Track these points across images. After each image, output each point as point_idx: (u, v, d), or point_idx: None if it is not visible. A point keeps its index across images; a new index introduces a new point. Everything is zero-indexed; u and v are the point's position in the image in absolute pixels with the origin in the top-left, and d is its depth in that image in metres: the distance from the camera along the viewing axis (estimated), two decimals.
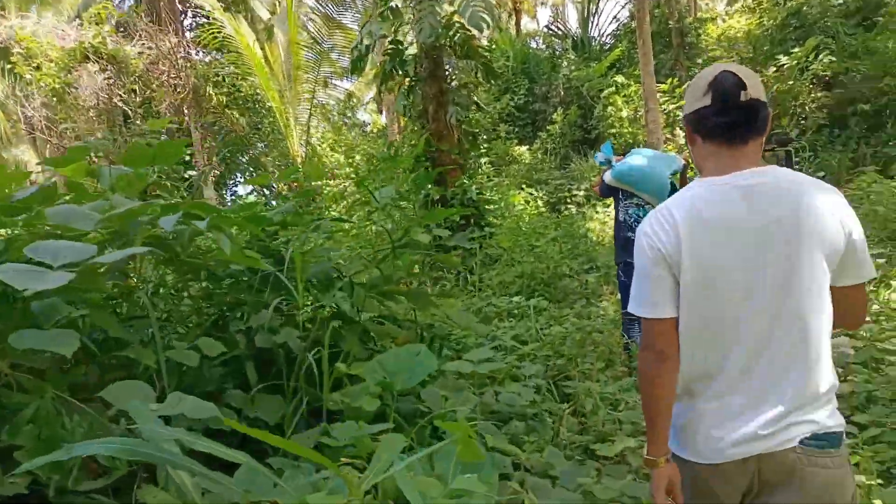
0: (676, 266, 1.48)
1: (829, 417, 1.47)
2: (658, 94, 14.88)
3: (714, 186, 1.49)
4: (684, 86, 16.51)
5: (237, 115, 12.77)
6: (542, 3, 28.51)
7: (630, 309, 1.61)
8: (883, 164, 13.20)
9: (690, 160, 6.15)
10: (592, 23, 22.29)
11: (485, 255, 7.47)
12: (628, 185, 4.73)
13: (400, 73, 7.69)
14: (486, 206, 8.31)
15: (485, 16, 6.89)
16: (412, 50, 7.80)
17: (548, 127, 17.45)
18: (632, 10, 19.42)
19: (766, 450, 1.44)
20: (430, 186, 8.30)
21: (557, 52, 20.75)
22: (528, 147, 17.90)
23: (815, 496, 1.43)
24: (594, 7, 22.12)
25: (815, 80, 15.25)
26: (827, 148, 14.20)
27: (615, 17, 21.58)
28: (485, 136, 17.28)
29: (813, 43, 14.49)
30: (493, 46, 20.12)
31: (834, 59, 14.53)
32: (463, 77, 7.44)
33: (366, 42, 7.44)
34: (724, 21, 20.87)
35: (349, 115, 19.55)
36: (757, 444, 1.45)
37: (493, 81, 7.83)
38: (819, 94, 14.90)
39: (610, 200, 5.71)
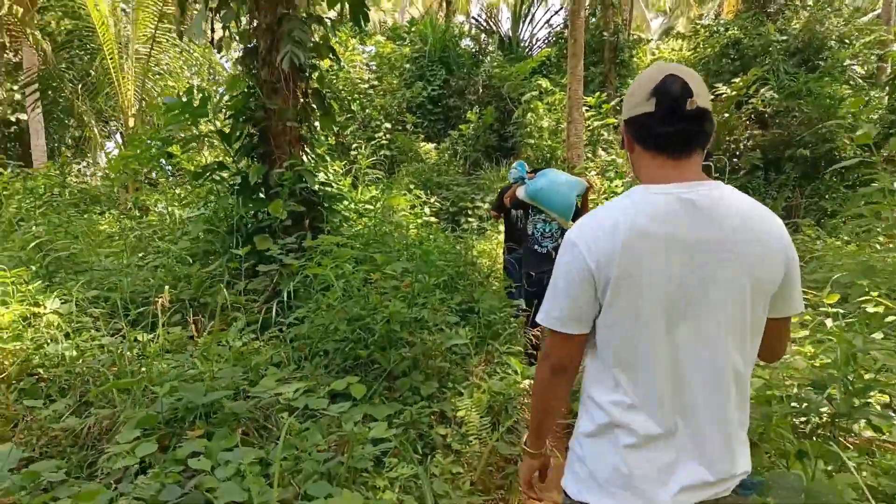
0: (604, 279, 1.28)
1: (748, 461, 1.37)
2: (584, 108, 12.66)
3: (657, 196, 1.29)
4: (612, 103, 14.62)
5: (42, 42, 9.19)
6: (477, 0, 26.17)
7: (538, 318, 1.40)
8: (818, 217, 11.51)
9: (593, 183, 4.89)
10: (524, 24, 19.99)
11: (310, 280, 4.63)
12: (540, 202, 4.84)
13: None
14: (334, 204, 5.48)
15: None
16: None
17: (460, 126, 14.86)
18: (566, 18, 17.41)
19: (709, 497, 1.30)
20: (247, 163, 5.40)
21: (483, 48, 18.25)
22: (435, 145, 15.25)
23: None
24: (527, 9, 19.83)
25: (752, 116, 13.50)
26: (759, 192, 12.38)
27: (548, 21, 19.33)
28: (381, 119, 14.53)
29: (756, 73, 12.67)
30: (412, 28, 17.42)
31: (776, 95, 12.77)
32: (311, 4, 4.56)
33: None
34: (656, 49, 19.18)
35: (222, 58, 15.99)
36: (702, 492, 1.29)
37: (363, 27, 4.99)
38: (756, 132, 13.12)
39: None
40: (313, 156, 5.45)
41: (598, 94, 13.99)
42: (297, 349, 3.87)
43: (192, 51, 14.40)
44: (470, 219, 11.09)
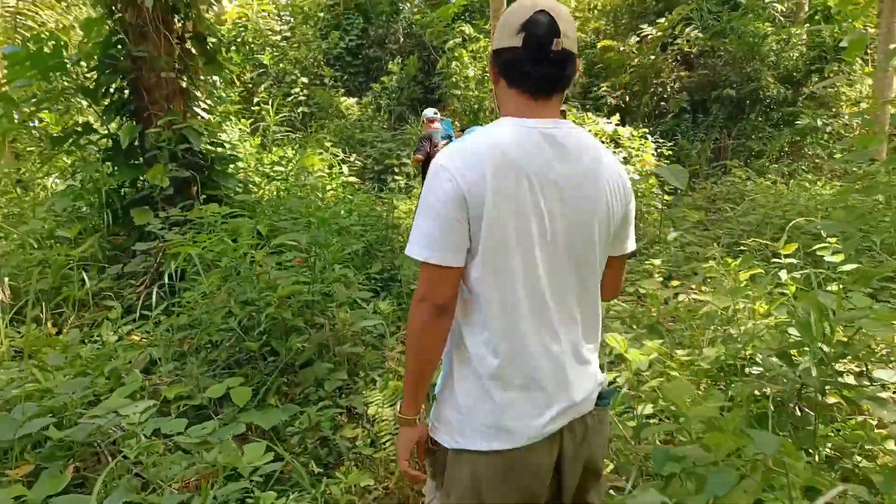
0: (476, 208, 1.23)
1: (602, 374, 1.46)
2: None
3: (521, 129, 1.29)
4: None
5: None
6: None
7: (410, 251, 1.26)
8: (745, 158, 11.44)
9: None
10: None
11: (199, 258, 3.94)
12: None
13: None
14: (226, 167, 4.75)
15: None
16: None
17: (382, 78, 14.02)
18: None
19: (577, 415, 1.37)
20: (118, 122, 4.59)
21: None
22: (357, 100, 14.37)
23: (594, 453, 1.42)
24: None
25: (678, 58, 13.24)
26: (688, 135, 12.21)
27: None
28: (296, 74, 13.52)
29: (680, 13, 12.36)
30: None
31: (700, 35, 12.51)
32: None
33: None
34: None
35: None
36: (570, 414, 1.35)
37: None
38: (682, 74, 12.88)
39: None
40: (200, 112, 4.68)
41: None
42: (176, 343, 3.24)
43: (81, 6, 12.84)
44: (397, 177, 10.44)
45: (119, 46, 4.33)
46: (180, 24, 4.52)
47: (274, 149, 8.71)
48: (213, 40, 4.65)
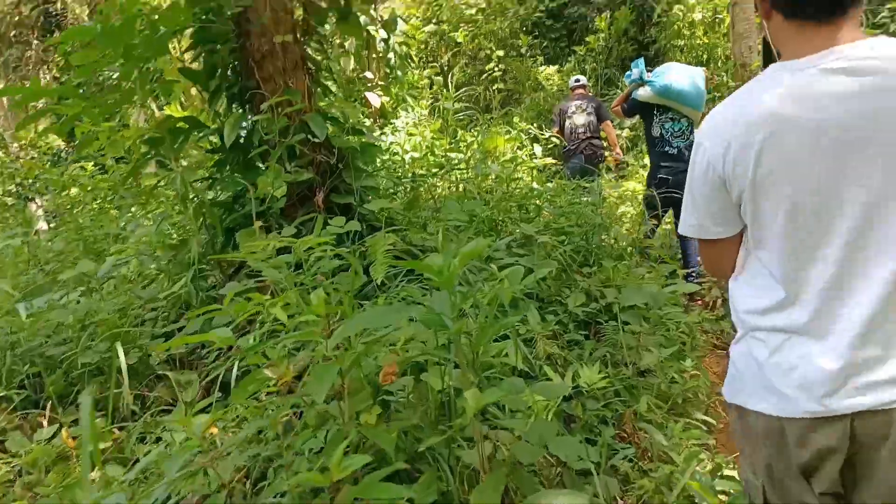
0: (738, 178, 1.08)
1: None
2: None
3: (800, 73, 1.03)
4: None
5: None
6: None
7: (679, 229, 1.26)
8: None
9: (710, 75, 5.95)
10: None
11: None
12: (673, 99, 4.46)
13: None
14: (365, 160, 3.35)
15: None
16: None
17: (587, 38, 11.91)
18: None
19: (869, 405, 1.01)
20: (223, 101, 3.42)
21: None
22: (558, 67, 12.44)
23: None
24: None
25: None
26: None
27: None
28: (491, 48, 12.00)
29: None
30: None
31: None
32: None
33: None
34: None
35: None
36: (859, 399, 1.01)
37: None
38: None
39: None
40: (331, 89, 3.33)
41: None
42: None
43: None
44: (605, 153, 8.44)
45: (216, 5, 3.11)
46: None
47: (460, 132, 7.31)
48: None
